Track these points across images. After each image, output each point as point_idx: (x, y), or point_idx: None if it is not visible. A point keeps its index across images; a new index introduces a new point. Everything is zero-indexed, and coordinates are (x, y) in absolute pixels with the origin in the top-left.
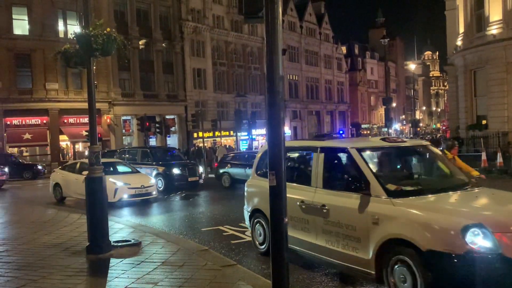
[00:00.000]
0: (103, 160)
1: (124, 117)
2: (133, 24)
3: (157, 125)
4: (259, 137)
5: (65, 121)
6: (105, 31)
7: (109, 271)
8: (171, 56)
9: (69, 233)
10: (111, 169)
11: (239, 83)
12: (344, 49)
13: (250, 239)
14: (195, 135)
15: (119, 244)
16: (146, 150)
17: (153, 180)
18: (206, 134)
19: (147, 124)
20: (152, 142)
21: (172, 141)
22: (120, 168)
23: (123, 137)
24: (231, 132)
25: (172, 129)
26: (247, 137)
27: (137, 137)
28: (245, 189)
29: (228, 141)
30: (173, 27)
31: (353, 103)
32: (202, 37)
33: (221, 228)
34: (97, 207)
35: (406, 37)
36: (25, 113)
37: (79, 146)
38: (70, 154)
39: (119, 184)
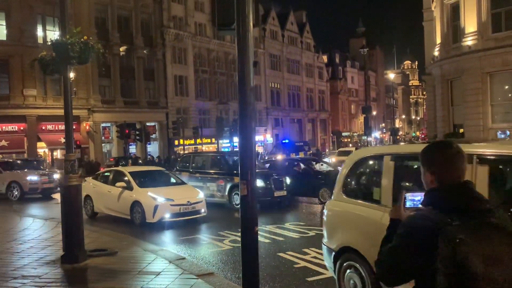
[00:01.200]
0: (143, 168)
1: (104, 124)
2: (114, 31)
3: (137, 132)
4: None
5: (43, 127)
6: (82, 39)
7: (83, 281)
8: (152, 63)
9: (44, 242)
10: (150, 180)
11: (221, 91)
12: (325, 58)
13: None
14: (176, 142)
15: (95, 253)
16: (218, 155)
17: (201, 195)
18: (187, 141)
19: (127, 131)
20: (132, 149)
21: (153, 148)
22: (161, 178)
23: (102, 144)
24: (213, 140)
25: (153, 136)
26: (228, 144)
27: (116, 145)
28: (325, 214)
29: (209, 147)
30: (155, 34)
31: (334, 111)
32: (184, 44)
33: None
34: (73, 216)
35: (386, 46)
36: (2, 119)
37: (57, 154)
38: (48, 161)
39: (159, 200)
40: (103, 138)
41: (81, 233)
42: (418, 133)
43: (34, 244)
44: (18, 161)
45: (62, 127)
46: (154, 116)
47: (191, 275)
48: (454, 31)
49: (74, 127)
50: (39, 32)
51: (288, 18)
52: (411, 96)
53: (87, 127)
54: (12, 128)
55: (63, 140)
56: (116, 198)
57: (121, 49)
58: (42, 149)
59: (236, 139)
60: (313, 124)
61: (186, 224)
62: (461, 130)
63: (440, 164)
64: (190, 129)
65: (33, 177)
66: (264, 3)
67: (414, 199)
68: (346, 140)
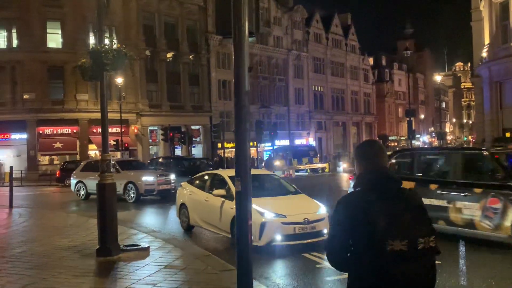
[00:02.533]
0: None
1: (151, 128)
2: (161, 38)
3: (181, 135)
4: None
5: (94, 130)
6: (115, 47)
7: (114, 272)
8: (197, 68)
9: (84, 237)
10: (255, 187)
11: (263, 94)
12: (371, 60)
13: None
14: (219, 145)
15: (128, 248)
16: (473, 153)
17: (323, 209)
18: (230, 145)
19: (171, 134)
20: (178, 151)
21: (197, 151)
22: (270, 185)
23: (150, 147)
24: (255, 143)
25: (197, 139)
26: (270, 147)
27: (162, 147)
28: None
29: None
30: (200, 40)
31: (380, 115)
32: (227, 49)
33: None
34: (107, 212)
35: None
36: (57, 122)
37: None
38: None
39: (268, 216)
40: (150, 140)
41: (115, 228)
42: (470, 137)
43: (75, 239)
44: (134, 161)
45: (111, 130)
46: (199, 119)
47: (214, 270)
48: (503, 31)
49: (123, 130)
50: (91, 39)
51: (333, 21)
52: (463, 99)
53: (136, 130)
54: (66, 131)
55: (112, 142)
56: (214, 209)
57: (168, 55)
58: (93, 151)
59: (278, 142)
60: (358, 127)
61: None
62: (508, 134)
63: (366, 157)
64: (232, 132)
65: (149, 178)
66: (308, 7)
67: None
68: (392, 144)
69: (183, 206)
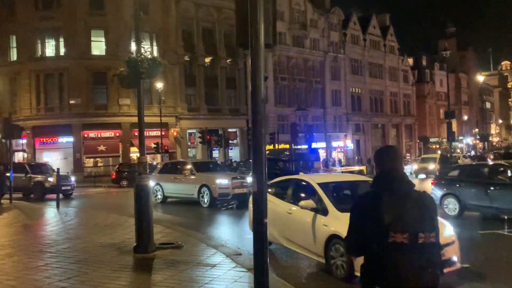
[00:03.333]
0: (337, 177)
1: (190, 130)
2: (199, 43)
3: (218, 138)
4: (320, 150)
5: (136, 134)
6: (150, 56)
7: (148, 268)
8: (234, 72)
9: (123, 235)
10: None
11: (299, 97)
12: (410, 61)
13: None
14: None
15: (164, 246)
16: None
17: (449, 229)
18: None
19: (208, 137)
20: (215, 154)
21: (234, 153)
22: None
23: (188, 149)
24: (293, 145)
25: (234, 141)
26: (306, 150)
27: (200, 150)
28: None
29: None
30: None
31: (420, 116)
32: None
33: None
34: (143, 211)
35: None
36: (100, 126)
37: (147, 157)
38: None
39: None
40: (189, 143)
41: (151, 227)
42: None
43: (117, 236)
44: (211, 163)
45: (151, 133)
46: (235, 122)
47: (242, 269)
48: None
49: (163, 133)
50: (133, 46)
51: (370, 22)
52: (510, 99)
53: (175, 133)
54: (109, 134)
55: (153, 145)
56: (300, 225)
57: (206, 60)
58: (134, 153)
59: (314, 145)
60: (398, 129)
61: None
62: None
63: (383, 160)
64: (268, 134)
65: (223, 181)
66: (344, 8)
67: None
68: (434, 146)
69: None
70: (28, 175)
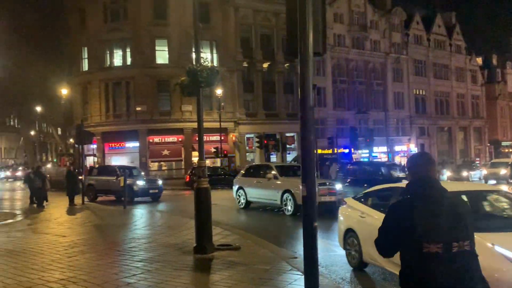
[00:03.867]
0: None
1: (248, 135)
2: (257, 49)
3: (275, 142)
4: (382, 154)
5: (197, 139)
6: (208, 66)
7: (207, 268)
8: (292, 76)
9: (185, 236)
10: (490, 216)
11: (359, 100)
12: (479, 60)
13: None
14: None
15: (222, 247)
16: None
17: None
18: (324, 151)
19: (265, 141)
20: (273, 158)
21: (291, 158)
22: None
23: (247, 154)
24: (353, 150)
25: (292, 146)
26: (367, 154)
27: (258, 154)
28: None
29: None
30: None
31: (491, 119)
32: (320, 57)
33: None
34: (203, 213)
35: None
36: (164, 132)
37: (207, 162)
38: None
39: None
40: (247, 148)
41: (209, 229)
42: None
43: (179, 237)
44: (296, 166)
45: (211, 138)
46: (293, 127)
47: (298, 272)
48: None
49: (222, 138)
50: (193, 54)
51: (435, 21)
52: None
53: (234, 138)
54: (172, 139)
55: (212, 149)
56: None
57: (264, 65)
58: (196, 157)
59: (376, 149)
60: (466, 132)
61: None
62: None
63: (416, 167)
64: (325, 139)
65: None
66: (407, 8)
67: None
68: (507, 150)
69: (350, 233)
70: (118, 178)
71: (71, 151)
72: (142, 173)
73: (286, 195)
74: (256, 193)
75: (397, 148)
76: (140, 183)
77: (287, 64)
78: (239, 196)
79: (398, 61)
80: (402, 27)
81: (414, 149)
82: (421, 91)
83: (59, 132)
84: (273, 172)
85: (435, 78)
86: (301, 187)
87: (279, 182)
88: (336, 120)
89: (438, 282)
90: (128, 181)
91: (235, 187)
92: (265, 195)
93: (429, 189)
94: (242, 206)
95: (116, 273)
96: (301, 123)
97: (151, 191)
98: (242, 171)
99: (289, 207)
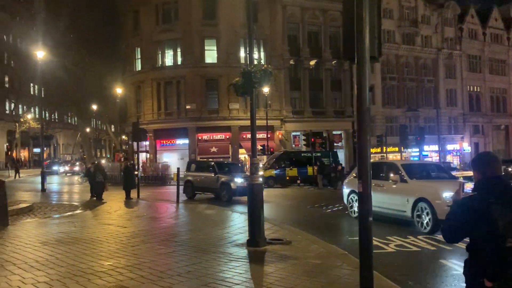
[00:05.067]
0: None
1: (294, 133)
2: (304, 46)
3: (322, 140)
4: (433, 153)
5: (244, 136)
6: (262, 67)
7: (260, 260)
8: (339, 74)
9: (237, 229)
10: None
11: (410, 97)
12: None
13: None
14: None
15: (273, 241)
16: None
17: None
18: (372, 150)
19: (312, 139)
20: None
21: (339, 156)
22: None
23: None
24: (403, 148)
25: (339, 144)
26: (417, 153)
27: None
28: None
29: (396, 156)
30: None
31: None
32: None
33: None
34: (255, 208)
35: None
36: (212, 129)
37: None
38: (247, 166)
39: None
40: (293, 145)
41: (262, 223)
42: None
43: (231, 231)
44: (432, 164)
45: (258, 135)
46: (340, 124)
47: (348, 267)
48: None
49: (268, 135)
50: (242, 53)
51: (491, 15)
52: None
53: (280, 136)
54: (220, 137)
55: (259, 147)
56: None
57: (311, 62)
58: (242, 154)
59: (427, 147)
60: None
61: None
62: None
63: (483, 166)
64: (375, 137)
65: (449, 194)
66: (461, 1)
67: (468, 187)
68: None
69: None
70: (216, 175)
71: (124, 147)
72: (246, 167)
73: (420, 204)
74: (375, 200)
75: (449, 146)
76: (239, 180)
77: (335, 61)
78: (351, 201)
79: (451, 57)
80: (455, 22)
81: (467, 148)
82: (475, 87)
83: (113, 129)
84: (400, 172)
85: (491, 74)
86: (443, 195)
87: (408, 186)
88: (385, 118)
89: None
90: (225, 178)
91: (346, 190)
92: (389, 204)
93: (502, 186)
94: (354, 215)
95: (177, 262)
96: (358, 124)
97: None
98: (353, 174)
99: (425, 222)
